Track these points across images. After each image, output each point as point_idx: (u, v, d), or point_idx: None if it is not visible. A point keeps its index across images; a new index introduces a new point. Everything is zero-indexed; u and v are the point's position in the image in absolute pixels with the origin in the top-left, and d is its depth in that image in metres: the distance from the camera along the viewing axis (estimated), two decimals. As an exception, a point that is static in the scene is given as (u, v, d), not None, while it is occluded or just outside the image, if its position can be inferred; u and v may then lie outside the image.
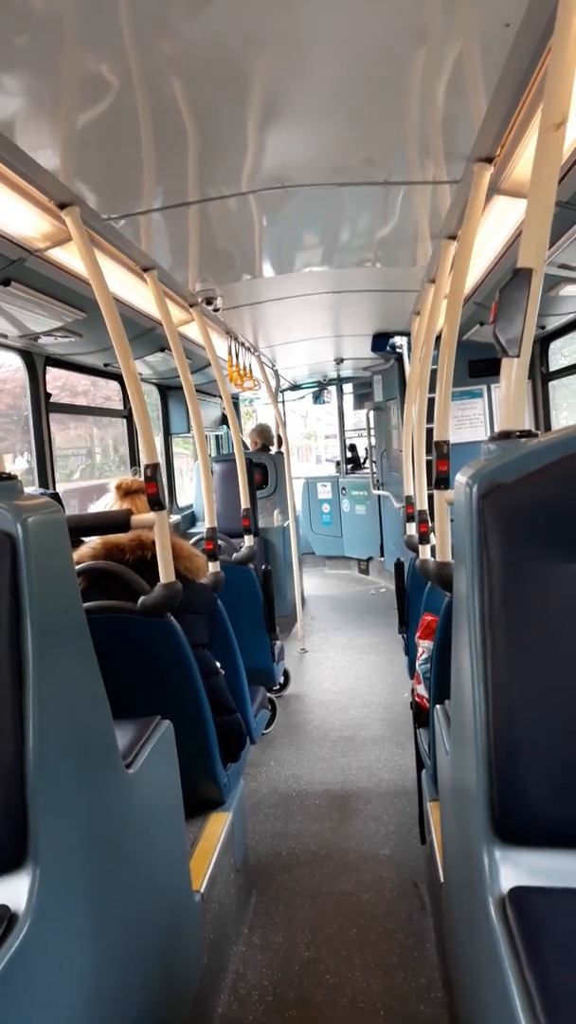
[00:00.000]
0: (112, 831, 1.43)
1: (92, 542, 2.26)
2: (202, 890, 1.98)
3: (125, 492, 2.37)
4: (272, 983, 2.13)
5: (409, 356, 5.04)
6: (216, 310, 3.45)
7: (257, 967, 2.20)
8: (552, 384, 4.69)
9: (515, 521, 1.14)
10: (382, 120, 1.81)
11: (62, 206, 1.96)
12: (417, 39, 1.44)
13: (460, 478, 1.25)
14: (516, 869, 1.10)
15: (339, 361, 6.84)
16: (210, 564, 2.97)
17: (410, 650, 3.39)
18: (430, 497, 2.54)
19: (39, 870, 1.10)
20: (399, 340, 5.39)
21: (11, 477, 1.28)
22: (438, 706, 1.80)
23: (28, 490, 1.36)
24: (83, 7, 1.23)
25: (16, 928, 1.04)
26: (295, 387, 8.89)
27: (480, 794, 1.13)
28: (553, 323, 4.06)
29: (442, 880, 1.84)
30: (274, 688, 4.34)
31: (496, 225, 2.53)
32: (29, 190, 1.86)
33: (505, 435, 1.31)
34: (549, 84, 1.34)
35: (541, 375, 4.65)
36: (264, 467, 5.99)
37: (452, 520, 1.56)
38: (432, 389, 2.62)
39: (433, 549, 2.43)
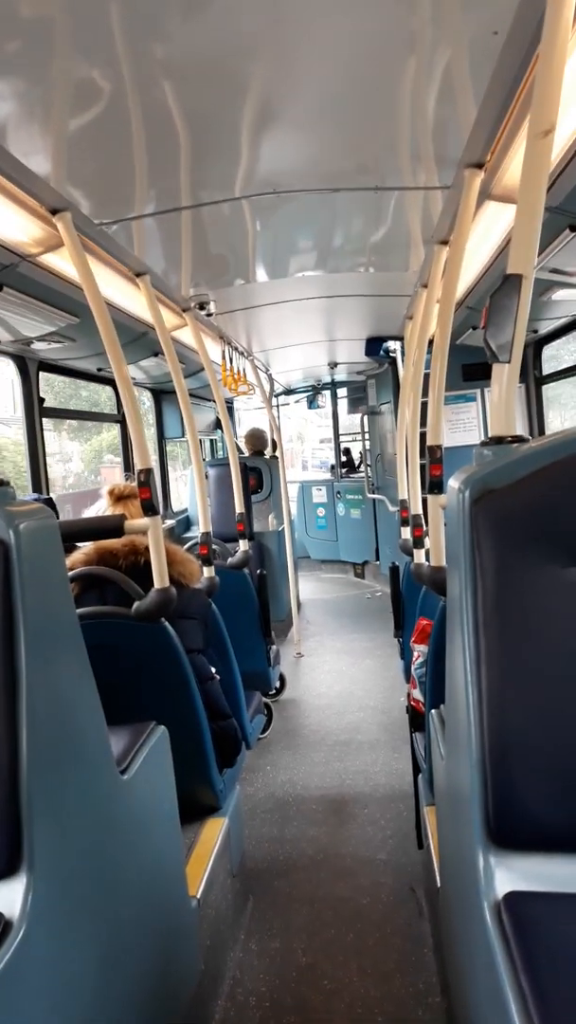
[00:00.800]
0: (107, 837, 1.42)
1: (85, 548, 2.26)
2: (199, 895, 1.97)
3: (117, 498, 2.37)
4: (269, 989, 2.12)
5: (403, 360, 5.05)
6: (209, 315, 3.45)
7: (254, 973, 2.19)
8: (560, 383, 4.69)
9: (507, 526, 1.15)
10: (374, 126, 1.82)
11: (54, 211, 1.96)
12: (407, 46, 1.45)
13: (452, 483, 1.25)
14: (511, 874, 1.10)
15: (333, 365, 6.85)
16: (205, 569, 2.96)
17: (406, 654, 3.39)
18: (424, 501, 2.55)
19: (34, 876, 1.10)
20: (392, 344, 5.41)
21: (3, 483, 1.28)
22: (433, 711, 1.80)
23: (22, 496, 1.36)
24: (75, 12, 1.23)
25: (11, 935, 1.04)
26: (289, 391, 8.90)
27: (474, 798, 1.13)
28: (546, 327, 4.07)
29: (439, 885, 1.84)
30: (270, 693, 4.34)
31: (488, 230, 2.53)
32: (20, 196, 1.86)
33: (497, 440, 1.31)
34: (537, 92, 1.35)
35: (535, 379, 4.66)
36: (259, 471, 5.99)
37: (446, 524, 1.56)
38: (425, 393, 2.62)
39: (428, 553, 2.44)
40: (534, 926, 0.98)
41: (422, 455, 2.75)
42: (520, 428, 1.39)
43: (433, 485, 2.20)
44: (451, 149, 1.92)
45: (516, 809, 1.10)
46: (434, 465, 2.19)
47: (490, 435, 1.34)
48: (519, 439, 1.30)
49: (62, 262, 2.34)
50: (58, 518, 2.90)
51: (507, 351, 1.34)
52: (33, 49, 1.32)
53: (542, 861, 1.10)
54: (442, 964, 1.96)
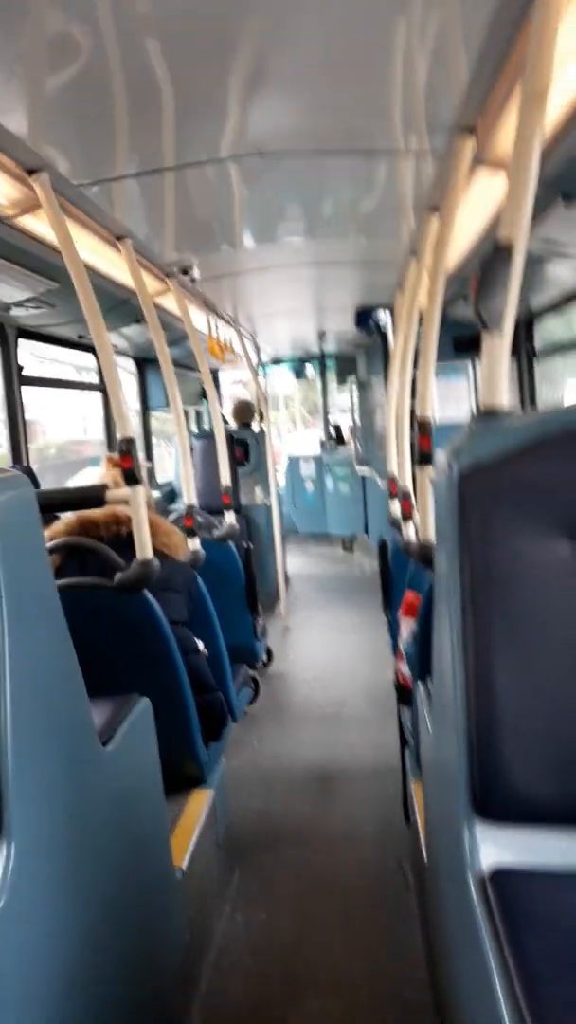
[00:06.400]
0: (89, 808, 1.41)
1: (67, 518, 2.22)
2: (184, 866, 1.97)
3: (115, 464, 2.33)
4: (255, 959, 2.14)
5: (393, 332, 5.00)
6: (193, 280, 3.38)
7: (240, 944, 2.20)
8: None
9: (496, 500, 1.12)
10: (364, 88, 1.77)
11: (30, 171, 1.89)
12: (399, 5, 1.40)
13: (440, 457, 1.22)
14: (497, 847, 1.09)
15: (321, 335, 6.78)
16: (190, 541, 2.93)
17: (393, 629, 3.39)
18: (414, 475, 2.52)
19: (14, 849, 1.08)
20: (383, 314, 5.34)
21: None
22: (420, 683, 1.79)
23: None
24: None
25: None
26: (277, 361, 8.82)
27: (461, 772, 1.11)
28: (540, 302, 4.03)
29: (426, 859, 1.84)
30: (257, 666, 4.34)
31: (480, 199, 2.48)
32: None
33: (487, 413, 1.28)
34: (531, 53, 1.31)
35: (527, 353, 4.62)
36: (245, 443, 5.94)
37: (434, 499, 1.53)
38: (416, 365, 2.59)
39: (416, 527, 2.41)
40: (519, 900, 0.97)
41: (412, 428, 2.72)
42: (511, 403, 1.36)
43: (423, 458, 2.18)
44: (443, 113, 1.87)
45: (503, 782, 1.09)
46: (424, 438, 2.16)
47: (480, 408, 1.31)
48: (508, 413, 1.28)
49: (40, 225, 2.27)
50: (38, 487, 2.85)
51: (498, 321, 1.30)
52: (7, 1, 1.26)
53: (528, 834, 1.09)
54: (428, 938, 1.97)
